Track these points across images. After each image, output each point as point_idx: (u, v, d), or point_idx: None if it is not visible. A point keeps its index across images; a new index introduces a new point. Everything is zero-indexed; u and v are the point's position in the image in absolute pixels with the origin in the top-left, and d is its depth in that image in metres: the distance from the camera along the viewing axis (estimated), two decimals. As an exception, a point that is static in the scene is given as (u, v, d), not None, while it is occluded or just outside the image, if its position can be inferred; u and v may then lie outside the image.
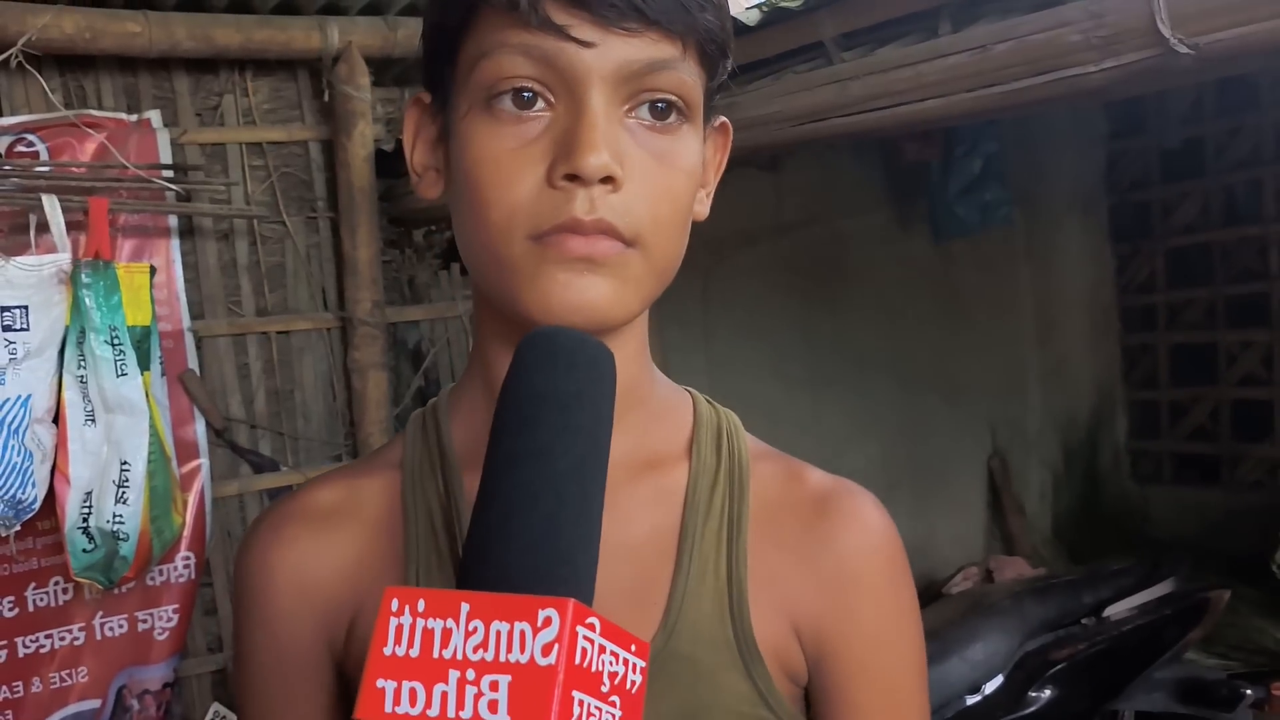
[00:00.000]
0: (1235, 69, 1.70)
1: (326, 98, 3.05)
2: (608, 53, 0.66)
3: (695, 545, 0.77)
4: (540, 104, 0.68)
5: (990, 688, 2.63)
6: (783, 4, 1.96)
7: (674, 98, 0.69)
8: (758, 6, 2.03)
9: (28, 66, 2.60)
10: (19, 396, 2.37)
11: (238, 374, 3.06)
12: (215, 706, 2.73)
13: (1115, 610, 2.80)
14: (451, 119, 0.72)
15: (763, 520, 0.78)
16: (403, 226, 3.29)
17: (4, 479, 2.31)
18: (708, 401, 0.85)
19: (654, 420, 0.81)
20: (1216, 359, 4.83)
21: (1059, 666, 2.66)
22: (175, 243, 2.91)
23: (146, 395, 2.53)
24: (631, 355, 0.78)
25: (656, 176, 0.69)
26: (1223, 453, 4.85)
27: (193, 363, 2.92)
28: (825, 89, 1.92)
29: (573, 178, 0.66)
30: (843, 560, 0.78)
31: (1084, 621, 2.78)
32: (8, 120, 2.70)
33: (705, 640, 0.75)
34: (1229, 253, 4.76)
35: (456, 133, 0.71)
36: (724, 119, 0.79)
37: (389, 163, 3.12)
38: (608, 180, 0.66)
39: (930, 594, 3.68)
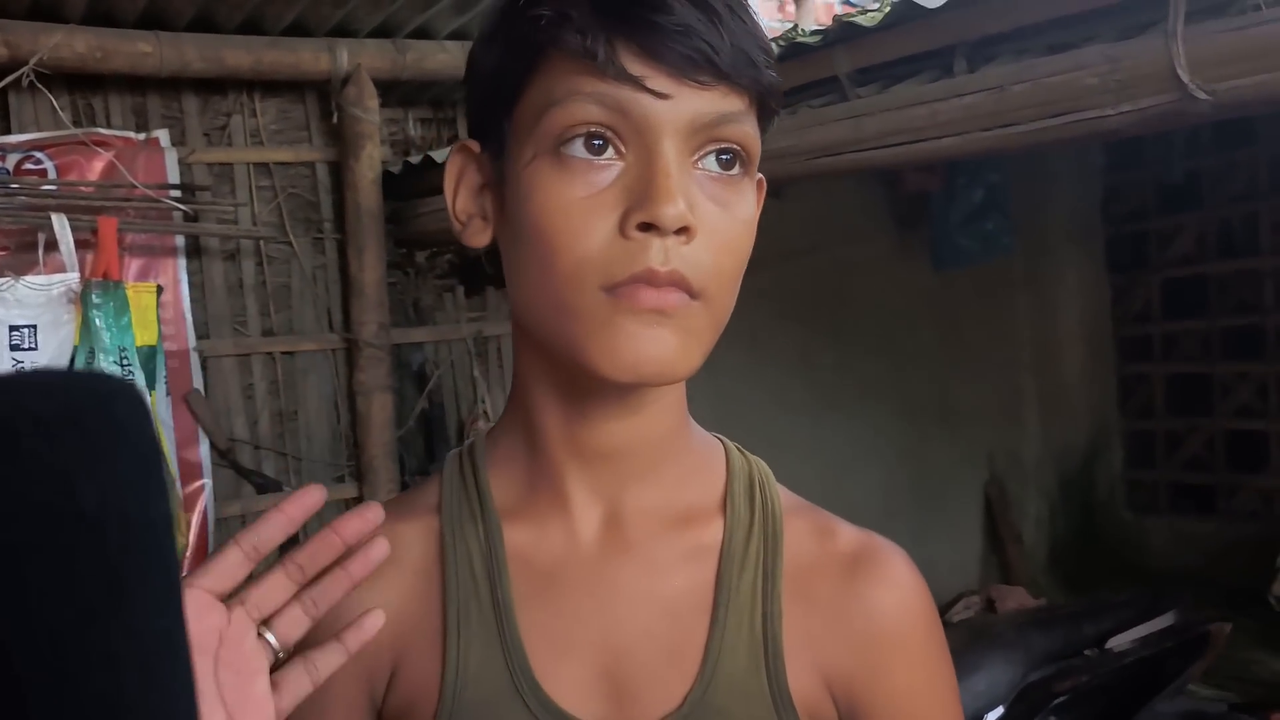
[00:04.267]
0: (1250, 113, 1.72)
1: (335, 119, 3.06)
2: (681, 104, 0.67)
3: (731, 599, 0.77)
4: (611, 151, 0.67)
5: (992, 718, 2.63)
6: (799, 39, 1.98)
7: (739, 148, 0.70)
8: (774, 40, 2.05)
9: (38, 85, 2.61)
10: (26, 416, 2.36)
11: (242, 394, 3.06)
12: (216, 729, 2.71)
13: (1118, 642, 2.81)
14: (510, 166, 0.72)
15: (796, 576, 0.79)
16: (408, 249, 3.30)
17: (10, 499, 2.30)
18: (739, 451, 0.85)
19: (689, 473, 0.81)
20: (1212, 390, 4.86)
21: (1061, 698, 2.67)
22: (182, 262, 2.92)
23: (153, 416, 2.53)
24: (670, 405, 0.78)
25: (722, 227, 0.69)
26: (1218, 483, 4.87)
27: (198, 382, 2.92)
28: (840, 124, 1.94)
29: (648, 227, 0.66)
30: (875, 619, 0.78)
31: (1086, 653, 2.79)
32: (17, 138, 2.71)
33: (740, 693, 0.75)
34: (1225, 285, 4.79)
35: (519, 180, 0.70)
36: (761, 175, 0.79)
37: (396, 185, 3.13)
38: (682, 231, 0.66)
39: (929, 622, 3.67)
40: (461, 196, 0.78)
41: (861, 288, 4.33)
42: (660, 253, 0.66)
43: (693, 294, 0.68)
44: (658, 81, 0.66)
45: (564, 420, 0.76)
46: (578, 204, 0.67)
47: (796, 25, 2.01)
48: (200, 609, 0.65)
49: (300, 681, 0.68)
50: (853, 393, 4.30)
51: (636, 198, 0.66)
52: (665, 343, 0.68)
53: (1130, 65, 1.53)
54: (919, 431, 4.52)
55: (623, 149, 0.68)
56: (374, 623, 0.70)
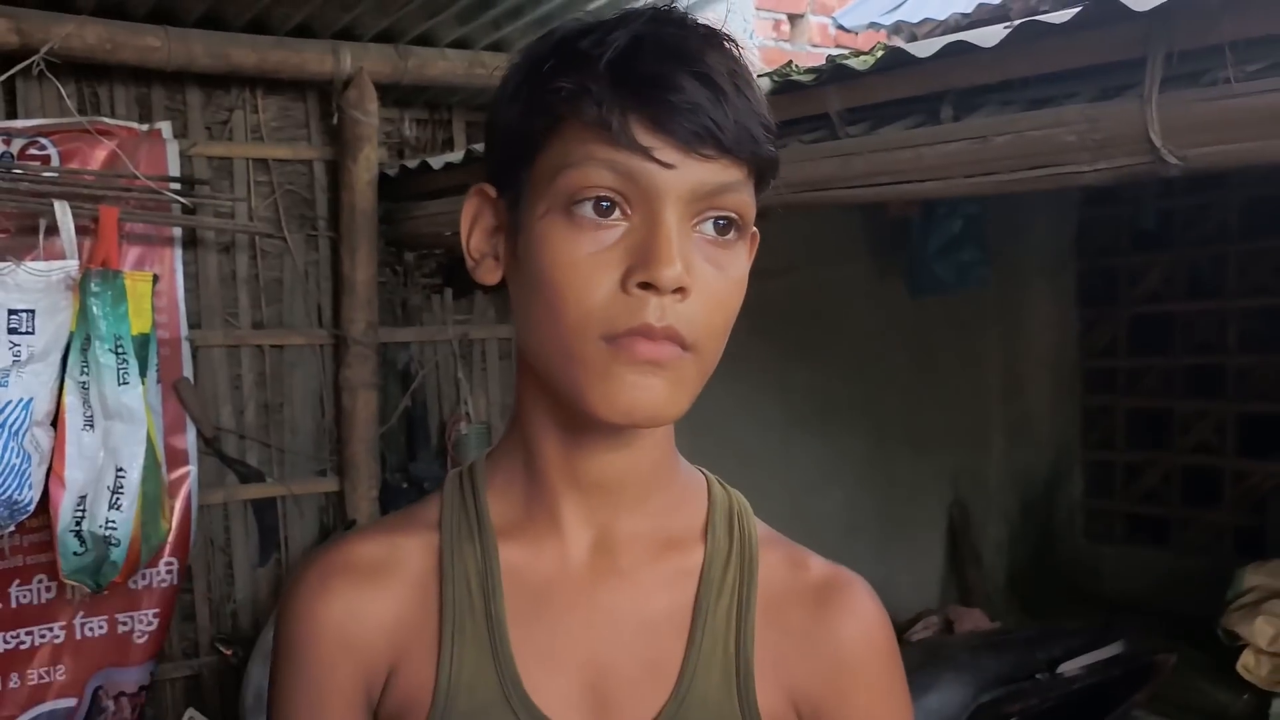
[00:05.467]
0: (1217, 175, 1.82)
1: (335, 120, 3.12)
2: (685, 174, 0.73)
3: (708, 622, 0.84)
4: (617, 213, 0.74)
5: (945, 736, 2.72)
6: (794, 76, 2.06)
7: (735, 216, 0.77)
8: (768, 75, 2.13)
9: (47, 73, 2.65)
10: (21, 399, 2.41)
11: (230, 385, 3.11)
12: (190, 712, 2.76)
13: (1068, 668, 2.90)
14: (525, 217, 0.78)
15: (768, 604, 0.86)
16: (398, 249, 3.36)
17: (3, 480, 2.35)
18: (720, 484, 0.92)
19: (675, 503, 0.88)
20: (1172, 425, 4.98)
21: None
22: (178, 252, 2.97)
23: (144, 403, 2.58)
24: (659, 440, 0.85)
25: (715, 287, 0.76)
26: (1173, 516, 4.99)
27: (187, 371, 2.98)
28: (829, 161, 2.02)
29: (648, 286, 0.72)
30: (841, 647, 0.85)
31: (1037, 677, 2.89)
32: (22, 123, 2.75)
33: (714, 710, 0.82)
34: (1189, 324, 4.91)
35: (533, 231, 0.76)
36: (755, 229, 0.85)
37: (390, 186, 3.19)
38: (679, 290, 0.73)
39: (887, 639, 3.75)
40: (476, 236, 0.84)
41: (837, 309, 4.42)
42: (657, 309, 0.73)
43: (685, 346, 0.74)
44: (665, 153, 0.72)
45: (562, 450, 0.83)
46: (585, 260, 0.74)
47: (791, 62, 2.09)
48: None
49: None
50: (823, 411, 4.39)
51: (639, 258, 0.73)
52: (657, 391, 0.74)
53: (1107, 126, 1.62)
54: (886, 452, 4.61)
55: (629, 211, 0.74)
56: None
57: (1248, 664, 3.70)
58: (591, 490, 0.84)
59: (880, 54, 1.95)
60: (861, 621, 0.87)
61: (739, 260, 0.78)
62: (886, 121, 2.02)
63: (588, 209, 0.74)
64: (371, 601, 0.84)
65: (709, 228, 0.76)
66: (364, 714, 0.84)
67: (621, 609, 0.83)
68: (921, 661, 2.89)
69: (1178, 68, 1.57)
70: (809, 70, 2.07)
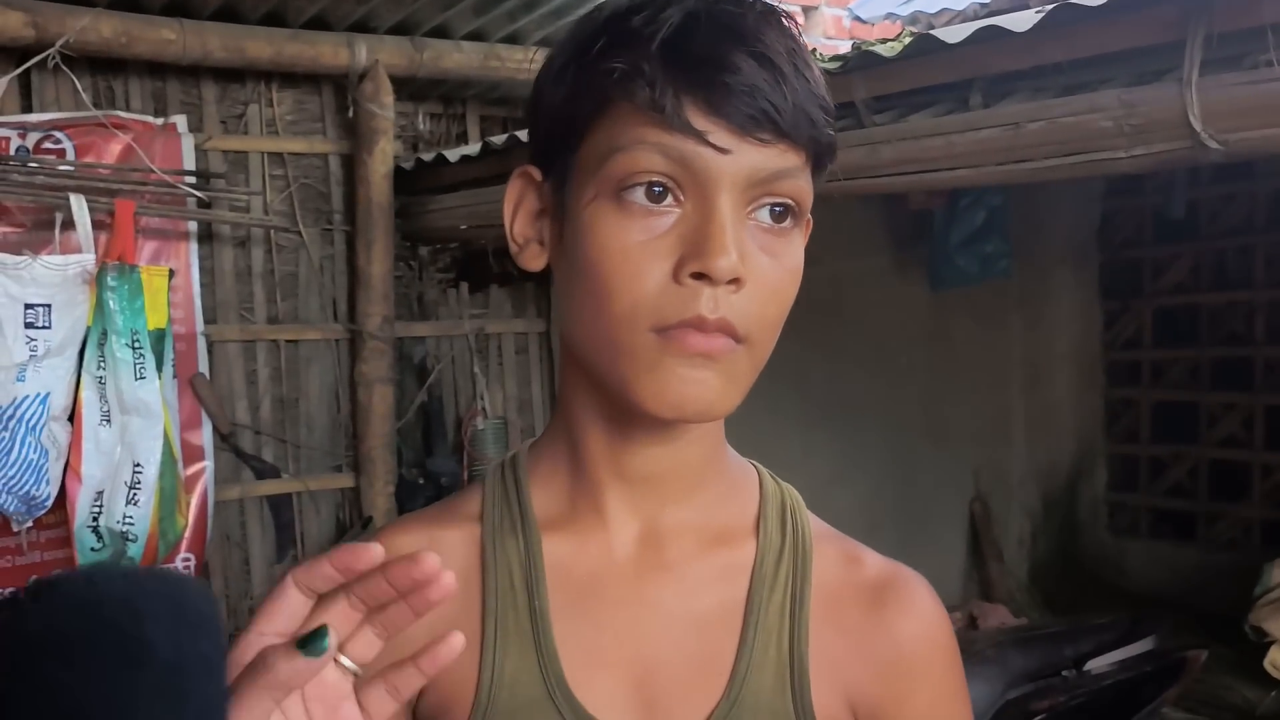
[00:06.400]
0: (1257, 160, 1.77)
1: (351, 114, 3.09)
2: (740, 159, 0.69)
3: (760, 619, 0.80)
4: (669, 199, 0.70)
5: (971, 735, 2.67)
6: (821, 65, 2.02)
7: (792, 203, 0.73)
8: (793, 63, 2.09)
9: (62, 67, 2.63)
10: (38, 394, 2.40)
11: (246, 380, 3.09)
12: (208, 710, 2.74)
13: (1096, 664, 2.86)
14: (572, 202, 0.75)
15: (823, 601, 0.82)
16: (413, 243, 3.33)
17: (20, 476, 2.33)
18: (772, 477, 0.88)
19: (724, 496, 0.84)
20: (1198, 418, 4.91)
21: (1039, 717, 2.72)
22: (194, 247, 2.95)
23: (160, 398, 2.56)
24: (709, 432, 0.82)
25: (770, 277, 0.72)
26: (1199, 510, 4.93)
27: (203, 366, 2.96)
28: (856, 150, 1.98)
29: (701, 276, 0.69)
30: (900, 647, 0.81)
31: (1065, 674, 2.84)
32: (37, 117, 2.74)
33: (766, 711, 0.78)
34: (1216, 315, 4.85)
35: (580, 217, 0.73)
36: (810, 216, 0.82)
37: (405, 180, 3.16)
38: (733, 281, 0.69)
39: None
40: (520, 220, 0.80)
41: (858, 302, 4.37)
42: (711, 301, 0.69)
43: (738, 339, 0.71)
44: (720, 137, 0.69)
45: (607, 442, 0.80)
46: (635, 248, 0.70)
47: (816, 50, 2.05)
48: None
49: (384, 701, 0.65)
50: (843, 405, 4.34)
51: (692, 246, 0.69)
52: (709, 385, 0.71)
53: (1144, 111, 1.58)
54: (907, 446, 4.57)
55: (681, 198, 0.71)
56: (456, 644, 0.65)
57: (1276, 660, 3.65)
58: (638, 483, 0.81)
59: (908, 40, 1.90)
60: (921, 620, 0.83)
61: (795, 249, 0.75)
62: (914, 110, 1.98)
63: (639, 195, 0.71)
64: None
65: (765, 215, 0.72)
66: (403, 712, 0.81)
67: (670, 604, 0.80)
68: (947, 658, 2.85)
69: (1217, 51, 1.53)
70: (835, 58, 2.03)
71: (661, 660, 0.79)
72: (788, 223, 0.74)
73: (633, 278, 0.70)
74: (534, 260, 0.80)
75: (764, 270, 0.72)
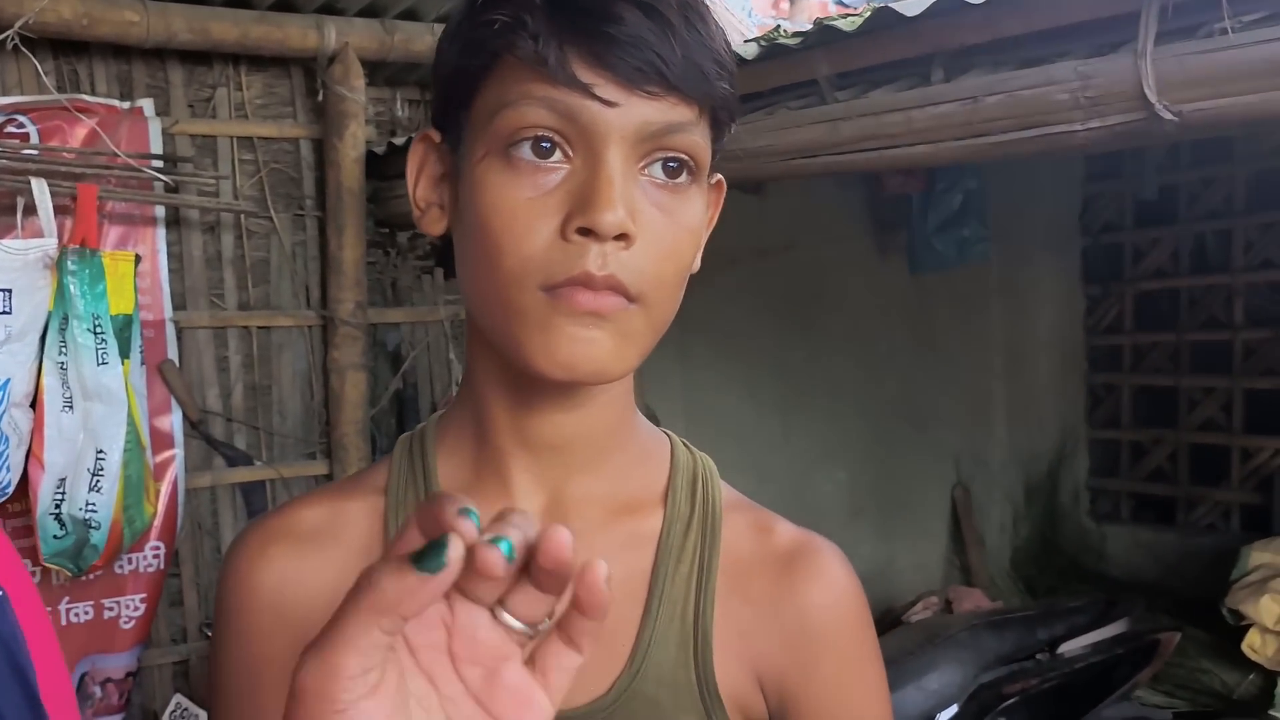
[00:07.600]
0: (1216, 134, 1.76)
1: (320, 97, 3.06)
2: (629, 113, 0.68)
3: (665, 590, 0.79)
4: (558, 155, 0.69)
5: (944, 717, 2.67)
6: (780, 40, 2.00)
7: (686, 158, 0.71)
8: (755, 41, 2.08)
9: (22, 48, 2.60)
10: (-1, 380, 2.37)
11: (216, 367, 3.06)
12: (177, 698, 2.73)
13: (1069, 647, 2.86)
14: (464, 161, 0.74)
15: (732, 571, 0.80)
16: (389, 229, 3.31)
17: (-20, 462, 2.31)
18: (685, 446, 0.87)
19: (633, 465, 0.83)
20: (1178, 403, 4.92)
21: (1012, 700, 2.72)
22: (161, 232, 2.92)
23: (125, 384, 2.53)
24: (615, 399, 0.80)
25: (664, 234, 0.71)
26: (1179, 495, 4.94)
27: (172, 353, 2.93)
28: (817, 127, 1.96)
29: (587, 232, 0.68)
30: (806, 616, 0.80)
31: (1038, 657, 2.84)
32: None
33: (668, 682, 0.77)
34: (1196, 300, 4.86)
35: (470, 176, 0.72)
36: (720, 176, 0.81)
37: (378, 165, 3.14)
38: (621, 237, 0.68)
39: (889, 621, 3.73)
40: (422, 184, 0.79)
41: (837, 287, 4.37)
42: (598, 257, 0.68)
43: (630, 298, 0.70)
44: (606, 90, 0.68)
45: (510, 410, 0.78)
46: (523, 205, 0.69)
47: (779, 26, 2.04)
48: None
49: (564, 654, 0.54)
50: (824, 390, 4.34)
51: (578, 202, 0.68)
52: (600, 344, 0.70)
53: (1100, 83, 1.56)
54: (888, 432, 4.56)
55: (570, 153, 0.69)
56: (603, 570, 0.54)
57: (1253, 643, 3.65)
58: (543, 451, 0.79)
59: (867, 14, 1.89)
60: (829, 589, 0.81)
61: (692, 206, 0.73)
62: (876, 86, 1.96)
63: (526, 150, 0.69)
64: (310, 567, 0.80)
65: (658, 170, 0.71)
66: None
67: None
68: (921, 641, 2.85)
69: (1173, 21, 1.52)
70: (795, 34, 2.02)
71: None
72: (683, 178, 0.72)
73: (521, 236, 0.69)
74: (434, 225, 0.79)
75: (657, 227, 0.70)
